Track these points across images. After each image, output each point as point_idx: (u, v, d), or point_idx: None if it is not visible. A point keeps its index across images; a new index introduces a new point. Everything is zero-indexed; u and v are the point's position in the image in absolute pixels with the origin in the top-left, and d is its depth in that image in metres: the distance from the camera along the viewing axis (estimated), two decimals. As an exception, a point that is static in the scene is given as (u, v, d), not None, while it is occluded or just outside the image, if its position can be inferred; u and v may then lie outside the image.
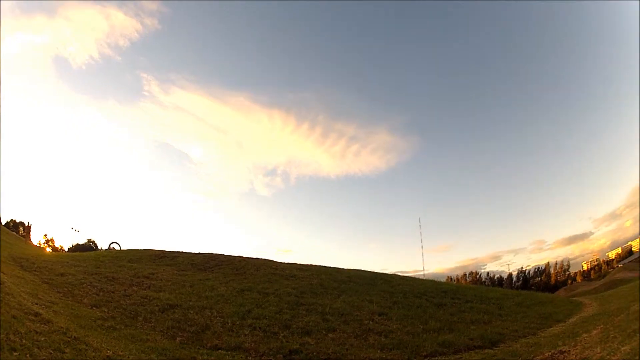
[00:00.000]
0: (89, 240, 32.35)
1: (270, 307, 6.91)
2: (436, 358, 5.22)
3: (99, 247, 27.98)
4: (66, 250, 32.02)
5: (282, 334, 5.80)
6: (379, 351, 5.15)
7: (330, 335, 5.93)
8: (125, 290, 7.31)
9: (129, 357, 4.05)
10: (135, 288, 7.56)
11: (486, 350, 5.50)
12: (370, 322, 6.62)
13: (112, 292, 7.11)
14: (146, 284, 7.96)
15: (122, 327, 5.37)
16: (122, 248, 18.70)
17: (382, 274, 11.84)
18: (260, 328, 5.99)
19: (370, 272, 11.90)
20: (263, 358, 5.12)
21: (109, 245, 20.70)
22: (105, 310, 6.06)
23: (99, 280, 7.76)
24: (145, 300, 6.79)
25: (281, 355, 5.25)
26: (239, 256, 11.29)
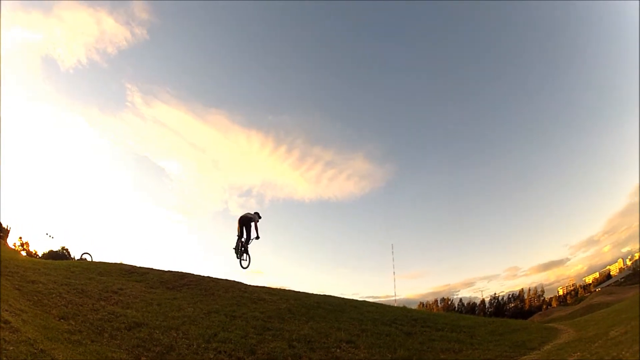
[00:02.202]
0: (63, 248, 32.41)
1: (237, 330, 7.23)
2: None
3: (72, 256, 28.09)
4: (40, 256, 31.95)
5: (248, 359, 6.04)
6: (343, 381, 5.61)
7: (295, 362, 5.84)
8: (93, 304, 7.62)
9: (92, 373, 4.31)
10: (103, 303, 7.86)
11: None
12: (338, 350, 6.82)
13: (81, 305, 7.42)
14: (114, 299, 8.26)
15: (89, 343, 5.66)
16: (93, 259, 18.84)
17: (352, 300, 12.25)
18: (225, 352, 6.22)
19: (340, 297, 12.30)
20: (224, 382, 5.50)
21: (81, 256, 20.82)
22: (73, 323, 6.36)
23: (69, 292, 8.06)
24: (112, 316, 7.09)
25: (243, 381, 5.60)
26: (209, 277, 11.63)
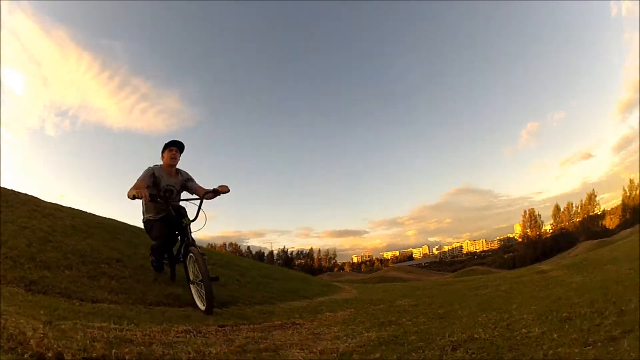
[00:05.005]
0: None
1: (23, 239, 8.35)
2: (159, 307, 5.39)
3: None
4: None
5: (27, 266, 6.66)
6: (106, 293, 5.57)
7: (67, 272, 6.63)
8: None
9: None
10: None
11: (214, 310, 5.40)
12: (106, 267, 7.25)
13: None
14: None
15: None
16: None
17: (132, 225, 13.30)
18: (11, 257, 6.76)
19: (120, 222, 13.25)
20: (9, 286, 6.86)
21: None
22: None
23: None
24: None
25: (23, 284, 6.30)
26: (12, 190, 11.47)
